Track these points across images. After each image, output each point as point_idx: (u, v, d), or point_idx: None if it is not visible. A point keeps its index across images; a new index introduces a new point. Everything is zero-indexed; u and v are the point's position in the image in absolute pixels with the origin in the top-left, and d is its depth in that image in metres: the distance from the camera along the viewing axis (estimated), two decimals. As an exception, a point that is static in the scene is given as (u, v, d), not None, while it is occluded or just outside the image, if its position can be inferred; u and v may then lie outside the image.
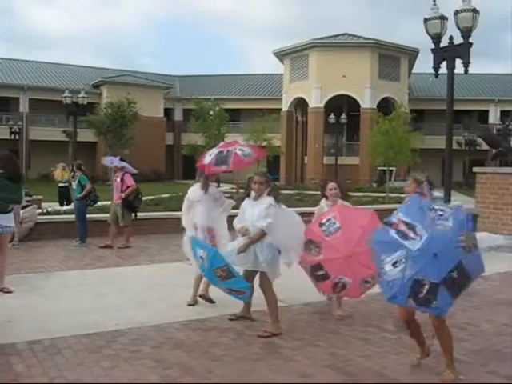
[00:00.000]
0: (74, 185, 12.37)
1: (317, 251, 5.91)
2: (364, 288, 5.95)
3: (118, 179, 11.89)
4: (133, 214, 12.13)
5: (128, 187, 11.80)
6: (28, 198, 14.26)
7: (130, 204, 11.88)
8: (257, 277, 6.16)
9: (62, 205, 18.44)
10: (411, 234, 4.33)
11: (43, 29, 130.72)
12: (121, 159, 12.52)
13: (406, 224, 4.39)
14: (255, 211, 5.99)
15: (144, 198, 19.32)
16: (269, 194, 6.02)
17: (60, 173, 19.62)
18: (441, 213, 4.38)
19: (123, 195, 11.75)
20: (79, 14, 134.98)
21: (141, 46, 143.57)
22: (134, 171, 12.42)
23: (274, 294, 6.09)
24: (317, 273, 5.94)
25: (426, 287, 4.18)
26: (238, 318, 6.49)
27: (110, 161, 12.77)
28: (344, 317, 6.54)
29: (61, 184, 19.50)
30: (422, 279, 4.20)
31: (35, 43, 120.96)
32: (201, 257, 6.08)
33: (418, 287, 4.20)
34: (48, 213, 13.83)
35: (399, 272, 4.26)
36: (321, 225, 6.03)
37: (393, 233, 4.41)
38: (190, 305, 7.07)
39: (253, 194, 6.13)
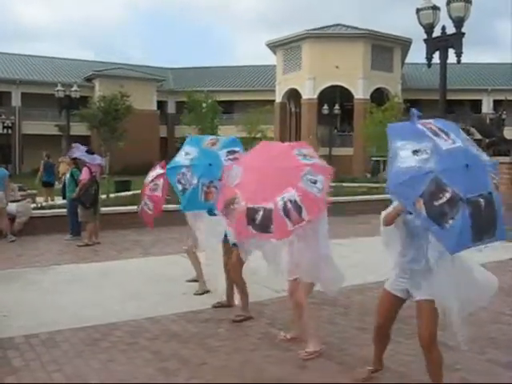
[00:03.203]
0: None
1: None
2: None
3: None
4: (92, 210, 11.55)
5: (80, 181, 11.47)
6: (22, 193, 14.24)
7: (79, 199, 11.42)
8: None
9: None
10: (443, 135, 3.56)
11: (24, 22, 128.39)
12: (87, 151, 12.10)
13: (439, 128, 3.64)
14: None
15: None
16: None
17: (66, 167, 19.43)
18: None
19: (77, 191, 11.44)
20: (62, 6, 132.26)
21: (126, 37, 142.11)
22: (95, 162, 11.99)
23: (241, 279, 6.26)
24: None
25: (447, 195, 3.30)
26: (223, 306, 6.66)
27: (72, 152, 12.26)
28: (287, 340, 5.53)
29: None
30: (445, 184, 3.32)
31: (18, 36, 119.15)
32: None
33: (435, 189, 3.32)
34: (42, 207, 13.81)
35: (419, 161, 3.42)
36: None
37: (421, 126, 3.65)
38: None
39: None
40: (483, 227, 3.34)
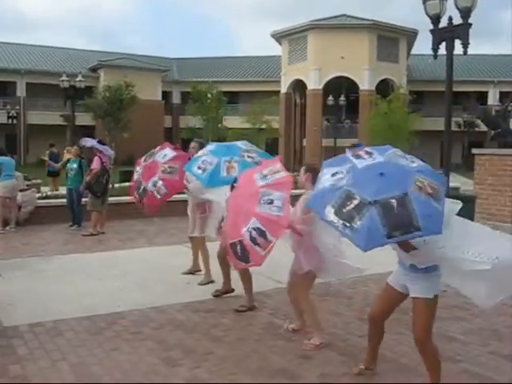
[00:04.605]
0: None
1: None
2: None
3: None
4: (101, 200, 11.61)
5: (91, 170, 11.53)
6: (27, 183, 14.26)
7: (90, 188, 11.45)
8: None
9: None
10: (365, 156, 3.90)
11: (24, 11, 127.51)
12: (98, 142, 12.19)
13: (366, 152, 3.97)
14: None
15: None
16: None
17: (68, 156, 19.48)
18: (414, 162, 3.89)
19: (87, 179, 11.46)
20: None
21: (127, 27, 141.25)
22: (108, 153, 12.04)
23: (247, 271, 6.27)
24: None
25: (355, 202, 3.55)
26: (222, 294, 6.69)
27: (85, 142, 12.33)
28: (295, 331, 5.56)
29: None
30: (354, 193, 3.59)
31: (19, 26, 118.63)
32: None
33: (345, 200, 3.60)
34: (47, 197, 13.85)
35: (334, 181, 3.77)
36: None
37: (348, 154, 4.02)
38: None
39: None
40: (398, 224, 3.46)
